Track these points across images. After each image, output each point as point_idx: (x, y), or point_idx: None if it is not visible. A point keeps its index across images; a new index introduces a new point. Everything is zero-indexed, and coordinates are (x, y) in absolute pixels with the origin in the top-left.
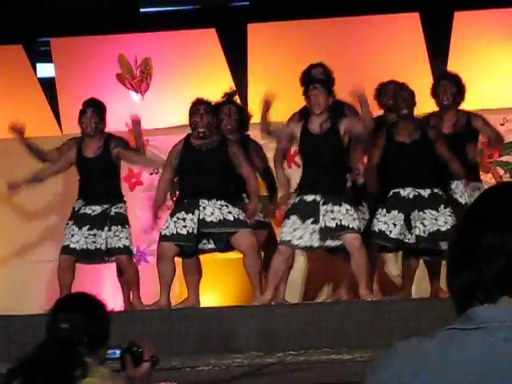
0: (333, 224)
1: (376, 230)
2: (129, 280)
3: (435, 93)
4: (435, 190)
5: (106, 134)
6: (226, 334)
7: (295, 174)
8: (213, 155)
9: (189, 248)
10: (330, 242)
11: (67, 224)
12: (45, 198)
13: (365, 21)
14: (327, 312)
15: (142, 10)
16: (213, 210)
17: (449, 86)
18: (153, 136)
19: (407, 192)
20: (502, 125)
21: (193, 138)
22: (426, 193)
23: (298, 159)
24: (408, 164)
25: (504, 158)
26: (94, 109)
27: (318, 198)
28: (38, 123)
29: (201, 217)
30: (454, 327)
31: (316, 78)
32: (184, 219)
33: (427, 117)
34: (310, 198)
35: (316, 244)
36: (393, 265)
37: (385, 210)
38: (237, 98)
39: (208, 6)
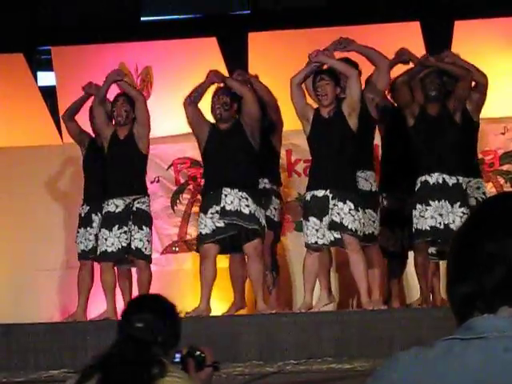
0: (338, 219)
1: (423, 228)
2: (142, 286)
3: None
4: (460, 181)
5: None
6: (227, 342)
7: (295, 184)
8: (232, 136)
9: (226, 243)
10: (331, 238)
11: (78, 232)
12: (44, 207)
13: (365, 30)
14: (328, 321)
15: (142, 18)
16: (233, 199)
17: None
18: (154, 144)
19: (435, 179)
20: (503, 134)
21: (215, 123)
22: (450, 181)
23: (298, 168)
24: (436, 141)
25: (504, 167)
26: (126, 97)
27: (328, 192)
28: (39, 131)
29: (222, 204)
30: (454, 337)
31: (323, 69)
32: (217, 212)
33: None
34: (320, 193)
35: (335, 237)
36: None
37: (423, 205)
38: None
39: (209, 14)
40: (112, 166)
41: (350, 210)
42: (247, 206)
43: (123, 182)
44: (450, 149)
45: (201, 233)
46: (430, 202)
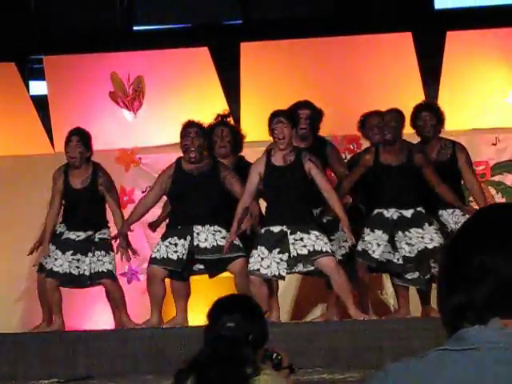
0: (305, 251)
1: (360, 249)
2: (115, 302)
3: (415, 124)
4: (418, 209)
5: (93, 163)
6: None
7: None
8: (205, 180)
9: (177, 273)
10: (301, 268)
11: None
12: (35, 216)
13: (357, 40)
14: (319, 331)
15: (135, 28)
16: (206, 236)
17: (429, 117)
18: (145, 154)
19: (391, 213)
20: (495, 144)
21: (184, 162)
22: (408, 213)
23: None
24: (392, 186)
25: (496, 178)
26: (80, 137)
27: (285, 228)
28: (31, 141)
29: (195, 243)
30: (445, 348)
31: (280, 111)
32: (176, 244)
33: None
34: (276, 228)
35: (283, 273)
36: (389, 286)
37: (369, 230)
38: (230, 120)
39: (201, 24)
40: (71, 208)
41: (316, 236)
42: (223, 238)
43: (84, 220)
44: (405, 191)
45: (151, 255)
46: (375, 231)
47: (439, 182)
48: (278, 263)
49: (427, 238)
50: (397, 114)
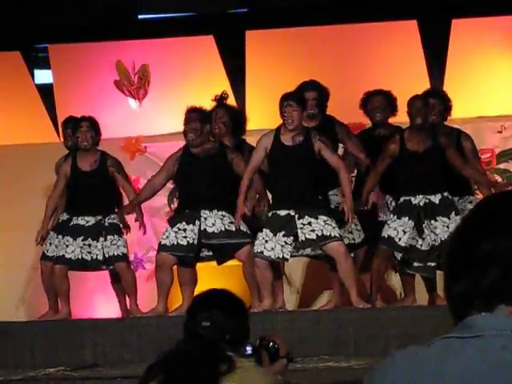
0: (313, 236)
1: (385, 235)
2: (127, 287)
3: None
4: (445, 195)
5: (99, 150)
6: None
7: None
8: (212, 163)
9: (188, 258)
10: (308, 252)
11: (49, 234)
12: (41, 205)
13: (362, 28)
14: (325, 319)
15: (140, 16)
16: (214, 221)
17: (437, 104)
18: (151, 143)
19: (418, 200)
20: (500, 132)
21: (191, 147)
22: (436, 199)
23: None
24: (420, 172)
25: (502, 166)
26: (90, 123)
27: (292, 212)
28: (36, 130)
29: (202, 228)
30: (451, 335)
31: (291, 94)
32: (185, 230)
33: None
34: (283, 212)
35: (287, 256)
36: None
37: (395, 217)
38: (227, 101)
39: (206, 13)
40: (79, 193)
41: (325, 221)
42: (231, 222)
43: (93, 204)
44: (432, 176)
45: (160, 242)
46: (402, 218)
47: (464, 163)
48: (282, 246)
49: (452, 228)
50: (424, 100)
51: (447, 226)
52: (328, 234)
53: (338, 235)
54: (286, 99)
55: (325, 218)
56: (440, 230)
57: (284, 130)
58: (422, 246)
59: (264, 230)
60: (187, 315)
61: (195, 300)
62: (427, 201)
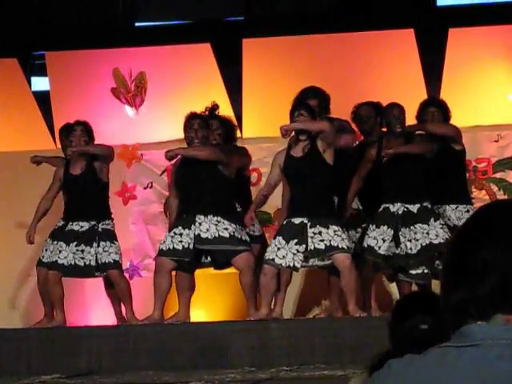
0: (322, 246)
1: (365, 245)
2: (121, 294)
3: (421, 119)
4: (424, 204)
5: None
6: (219, 349)
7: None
8: (206, 168)
9: (186, 263)
10: (317, 262)
11: (46, 240)
12: (26, 214)
13: (360, 37)
14: (320, 328)
15: (137, 24)
16: (208, 227)
17: (436, 113)
18: (147, 150)
19: (396, 207)
20: (496, 141)
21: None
22: (414, 208)
23: None
24: (397, 178)
25: (498, 175)
26: (83, 128)
27: (306, 220)
28: (33, 137)
29: (196, 233)
30: (447, 344)
31: (301, 104)
32: (181, 234)
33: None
34: (297, 220)
35: (298, 265)
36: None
37: (374, 226)
38: (219, 112)
39: (203, 20)
40: (71, 198)
41: (335, 231)
42: (225, 229)
43: (86, 209)
44: (410, 183)
45: (159, 247)
46: (381, 226)
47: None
48: (293, 254)
49: (432, 233)
50: (402, 108)
51: (427, 232)
52: (336, 244)
53: (345, 247)
54: (297, 109)
55: (335, 228)
56: (420, 236)
57: (295, 141)
58: (399, 253)
59: (277, 237)
60: (396, 318)
61: (403, 302)
62: (405, 209)
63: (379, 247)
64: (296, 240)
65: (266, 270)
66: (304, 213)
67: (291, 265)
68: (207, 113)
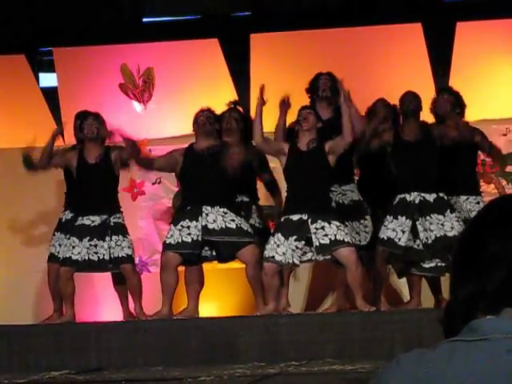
0: (327, 240)
1: (384, 237)
2: (132, 289)
3: (435, 106)
4: (440, 195)
5: (105, 145)
6: (229, 344)
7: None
8: (214, 161)
9: (194, 256)
10: (316, 257)
11: (54, 234)
12: (34, 209)
13: (368, 31)
14: (330, 322)
15: (144, 19)
16: (215, 217)
17: (450, 99)
18: (155, 146)
19: (413, 197)
20: (505, 135)
21: (195, 145)
22: (431, 197)
23: None
24: (413, 167)
25: (506, 169)
26: (95, 117)
27: (305, 216)
28: (41, 133)
29: (203, 223)
30: (456, 339)
31: (310, 107)
32: (188, 227)
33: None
34: (296, 217)
35: (297, 261)
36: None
37: (392, 217)
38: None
39: (211, 16)
40: (83, 189)
41: (337, 226)
42: (232, 220)
43: (98, 202)
44: (426, 172)
45: (165, 241)
46: (399, 217)
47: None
48: (293, 250)
49: (448, 225)
50: (415, 94)
51: (442, 224)
52: (341, 238)
53: (350, 241)
54: (307, 108)
55: (337, 223)
56: (435, 227)
57: (301, 132)
58: (418, 246)
59: (276, 234)
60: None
61: None
62: (422, 198)
63: (399, 239)
64: (295, 236)
65: (266, 270)
66: (303, 209)
67: (291, 261)
68: (231, 106)
